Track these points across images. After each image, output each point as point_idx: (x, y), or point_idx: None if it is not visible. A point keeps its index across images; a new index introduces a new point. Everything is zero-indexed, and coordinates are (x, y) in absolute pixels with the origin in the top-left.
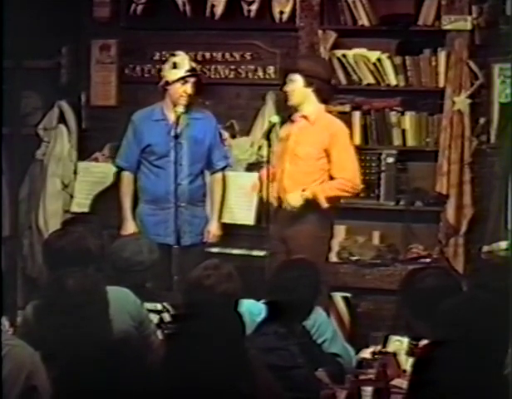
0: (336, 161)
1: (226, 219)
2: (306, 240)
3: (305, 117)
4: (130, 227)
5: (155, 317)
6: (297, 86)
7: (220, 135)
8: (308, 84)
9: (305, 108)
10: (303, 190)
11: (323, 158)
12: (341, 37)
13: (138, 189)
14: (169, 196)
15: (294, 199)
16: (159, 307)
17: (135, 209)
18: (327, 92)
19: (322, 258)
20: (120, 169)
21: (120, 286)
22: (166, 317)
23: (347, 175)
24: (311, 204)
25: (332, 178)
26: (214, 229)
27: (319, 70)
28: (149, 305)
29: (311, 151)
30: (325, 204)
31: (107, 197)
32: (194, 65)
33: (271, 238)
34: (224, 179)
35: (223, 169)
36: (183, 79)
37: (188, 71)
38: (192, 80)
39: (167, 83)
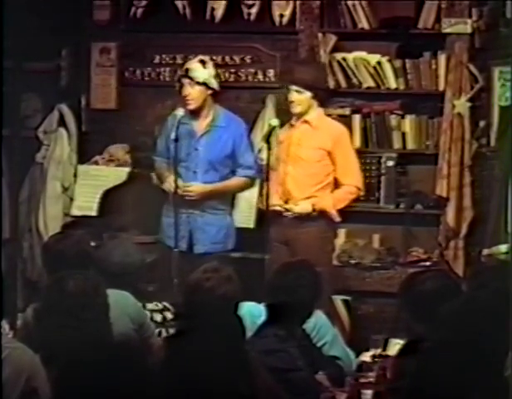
0: (341, 165)
1: None
2: (310, 241)
3: (307, 122)
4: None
5: (157, 316)
6: (304, 97)
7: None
8: (314, 94)
9: (308, 114)
10: (313, 203)
11: (327, 160)
12: (341, 40)
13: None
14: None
15: (303, 209)
16: (160, 305)
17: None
18: (324, 96)
19: (327, 258)
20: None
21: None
22: (169, 315)
23: (353, 181)
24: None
25: (336, 180)
26: None
27: (320, 78)
28: (150, 305)
29: (314, 154)
30: (338, 218)
31: (108, 199)
32: (191, 66)
33: (273, 241)
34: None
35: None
36: (179, 81)
37: (181, 72)
38: (187, 81)
39: None
